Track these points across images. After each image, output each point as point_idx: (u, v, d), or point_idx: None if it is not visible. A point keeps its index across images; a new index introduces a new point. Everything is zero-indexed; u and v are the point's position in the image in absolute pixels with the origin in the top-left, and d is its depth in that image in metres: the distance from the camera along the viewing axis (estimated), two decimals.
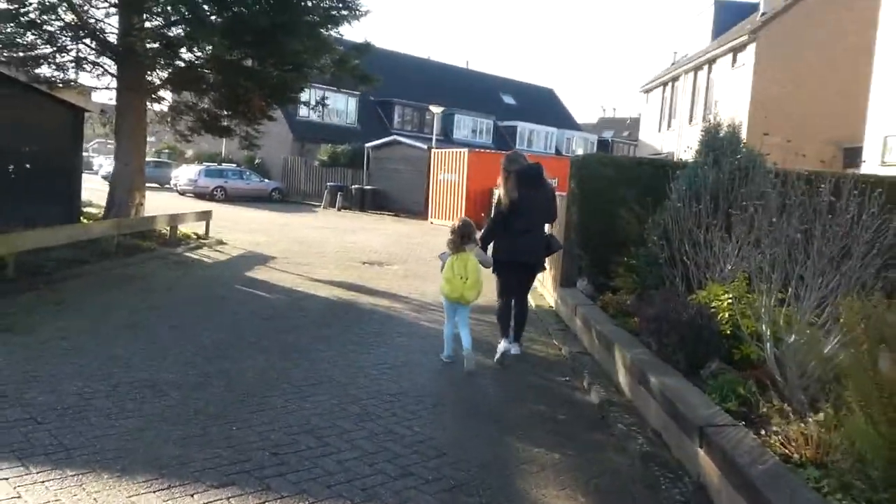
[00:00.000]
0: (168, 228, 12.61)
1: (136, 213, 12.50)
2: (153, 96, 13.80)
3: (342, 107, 39.46)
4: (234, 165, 34.66)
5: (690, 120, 26.22)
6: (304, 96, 15.09)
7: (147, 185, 35.80)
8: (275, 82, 12.68)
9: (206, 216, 14.37)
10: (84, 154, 47.48)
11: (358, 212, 29.21)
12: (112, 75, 12.68)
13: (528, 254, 6.63)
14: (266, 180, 33.80)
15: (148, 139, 45.64)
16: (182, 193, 31.47)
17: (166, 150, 47.02)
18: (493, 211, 6.87)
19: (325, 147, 34.67)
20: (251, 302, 8.44)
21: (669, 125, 29.03)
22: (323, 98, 14.84)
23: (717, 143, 6.78)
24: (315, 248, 14.92)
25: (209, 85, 13.36)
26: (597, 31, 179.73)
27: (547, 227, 7.18)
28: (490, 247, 6.73)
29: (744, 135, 21.64)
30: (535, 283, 10.87)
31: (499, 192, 6.79)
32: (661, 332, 5.23)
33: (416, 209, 28.12)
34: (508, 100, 51.41)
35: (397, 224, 24.20)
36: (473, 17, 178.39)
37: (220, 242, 14.05)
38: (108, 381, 5.05)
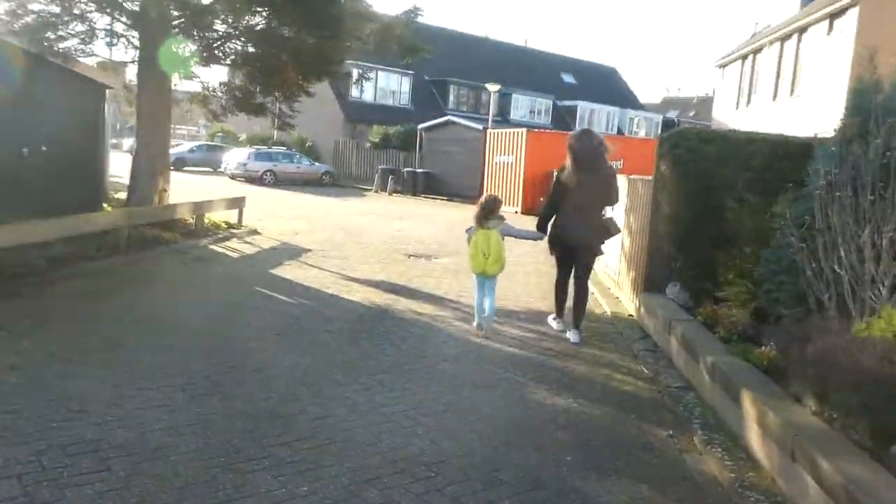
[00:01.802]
0: (193, 218, 11.34)
1: (161, 201, 11.28)
2: (181, 71, 12.54)
3: (395, 87, 38.06)
4: (284, 148, 33.65)
5: (774, 96, 23.70)
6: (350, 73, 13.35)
7: (199, 168, 36.17)
8: (311, 52, 11.21)
9: (238, 203, 13.09)
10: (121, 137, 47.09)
11: (410, 196, 27.81)
12: (135, 47, 11.45)
13: (576, 234, 6.56)
14: (316, 163, 32.67)
15: (202, 122, 45.29)
16: (233, 178, 30.66)
17: (220, 134, 46.59)
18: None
19: (376, 128, 33.31)
20: (268, 310, 7.02)
21: (749, 102, 26.48)
22: (365, 72, 13.15)
23: (877, 105, 4.93)
24: (358, 237, 13.51)
25: (239, 56, 12.00)
26: (662, 5, 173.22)
27: (609, 209, 7.07)
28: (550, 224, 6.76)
29: (843, 110, 19.24)
30: (611, 286, 9.21)
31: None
32: (828, 384, 3.53)
33: (470, 193, 26.45)
34: (568, 79, 49.08)
35: (450, 209, 22.65)
36: None
37: (254, 232, 12.75)
38: (35, 443, 3.65)
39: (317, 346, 5.82)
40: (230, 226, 12.50)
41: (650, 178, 7.83)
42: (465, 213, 9.00)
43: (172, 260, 9.37)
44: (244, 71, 12.30)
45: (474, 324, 6.71)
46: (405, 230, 15.43)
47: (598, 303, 8.67)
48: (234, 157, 31.37)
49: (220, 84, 13.00)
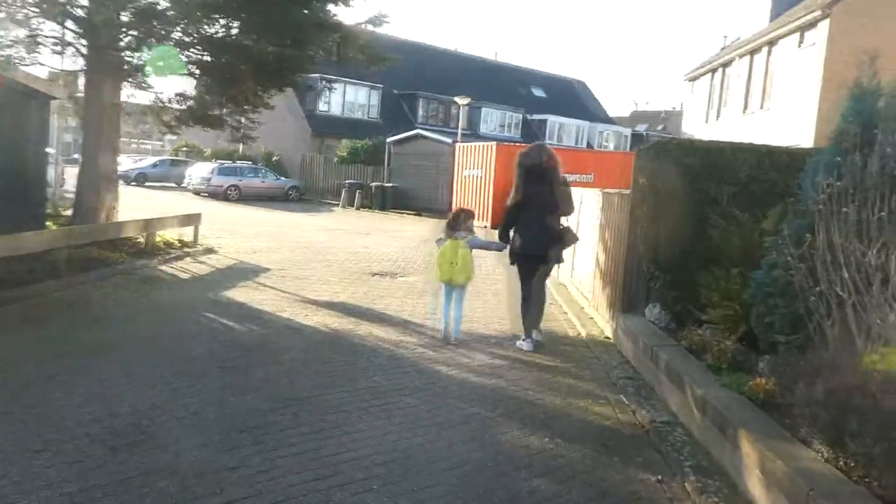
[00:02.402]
0: (143, 236, 10.64)
1: (109, 218, 10.57)
2: (139, 82, 11.87)
3: (364, 100, 37.51)
4: (250, 163, 32.88)
5: (745, 109, 23.63)
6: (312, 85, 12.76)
7: (162, 184, 35.22)
8: (271, 61, 10.64)
9: (193, 220, 12.39)
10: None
11: (378, 211, 27.23)
12: (82, 56, 10.77)
13: (537, 246, 6.77)
14: (282, 178, 31.95)
15: (167, 138, 44.22)
16: (196, 193, 29.83)
17: (184, 148, 45.54)
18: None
19: (344, 142, 32.72)
20: (215, 339, 6.38)
21: (719, 115, 26.44)
22: (329, 82, 12.58)
23: (876, 113, 4.53)
24: (321, 255, 12.90)
25: (196, 65, 11.38)
26: (629, 19, 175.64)
27: (564, 219, 7.19)
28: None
29: (814, 123, 19.19)
30: (584, 305, 8.76)
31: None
32: (844, 429, 3.05)
33: (440, 208, 25.97)
34: (538, 92, 49.05)
35: (418, 224, 22.14)
36: (502, 6, 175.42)
37: (210, 251, 12.07)
38: None
39: (265, 381, 5.22)
40: (184, 244, 11.81)
41: (627, 191, 7.40)
42: (433, 229, 8.52)
43: (115, 282, 8.67)
44: (201, 81, 11.67)
45: (441, 335, 6.88)
46: (371, 247, 14.87)
47: (573, 324, 8.20)
48: (198, 172, 30.52)
49: (176, 95, 12.33)
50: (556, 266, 8.08)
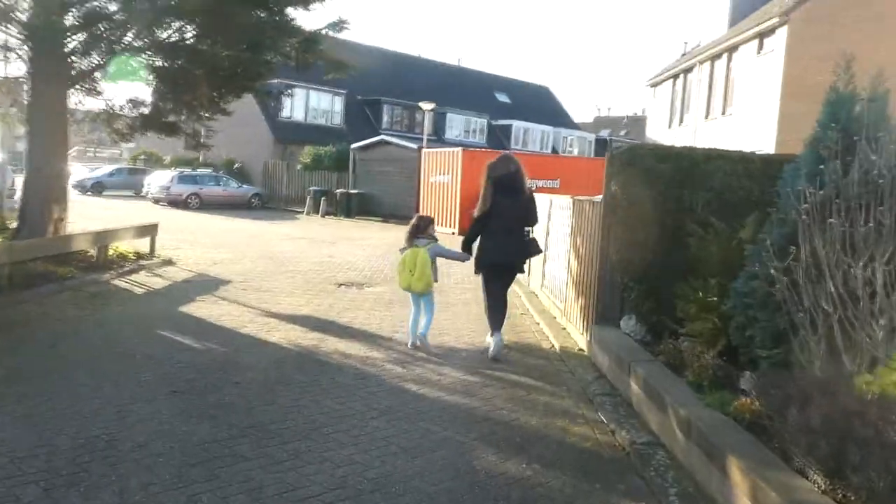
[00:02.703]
0: (95, 249, 10.14)
1: (57, 231, 10.05)
2: (88, 88, 11.38)
3: (327, 106, 37.07)
4: (211, 171, 32.18)
5: (707, 114, 23.85)
6: (271, 91, 12.38)
7: (120, 193, 34.30)
8: (227, 67, 10.27)
9: (149, 231, 11.91)
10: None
11: (343, 218, 26.83)
12: (25, 61, 10.25)
13: (504, 256, 6.90)
14: (245, 186, 31.32)
15: (124, 144, 43.15)
16: (156, 202, 29.14)
17: (143, 156, 44.46)
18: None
19: (307, 149, 32.21)
20: (168, 360, 6.00)
21: (682, 121, 26.67)
22: (287, 88, 12.20)
23: (854, 119, 4.38)
24: (284, 265, 12.51)
25: (148, 71, 10.94)
26: (591, 26, 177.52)
27: (529, 230, 7.14)
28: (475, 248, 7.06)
29: (775, 129, 19.37)
30: (557, 315, 8.57)
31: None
32: (844, 460, 2.85)
33: (406, 214, 25.51)
34: (503, 98, 49.08)
35: (385, 231, 21.80)
36: (465, 12, 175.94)
37: (167, 263, 11.60)
38: None
39: (221, 407, 4.87)
40: (140, 256, 11.32)
41: (598, 198, 7.21)
42: (400, 236, 8.26)
43: (62, 299, 8.19)
44: (154, 87, 11.22)
45: (409, 343, 6.95)
46: (336, 256, 14.51)
47: (545, 335, 7.98)
48: (157, 181, 29.83)
49: (128, 101, 11.84)
50: (525, 274, 8.07)
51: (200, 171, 31.74)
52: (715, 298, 5.15)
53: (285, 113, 35.00)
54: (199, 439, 4.25)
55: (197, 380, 5.46)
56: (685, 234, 5.71)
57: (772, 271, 4.08)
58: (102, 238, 10.25)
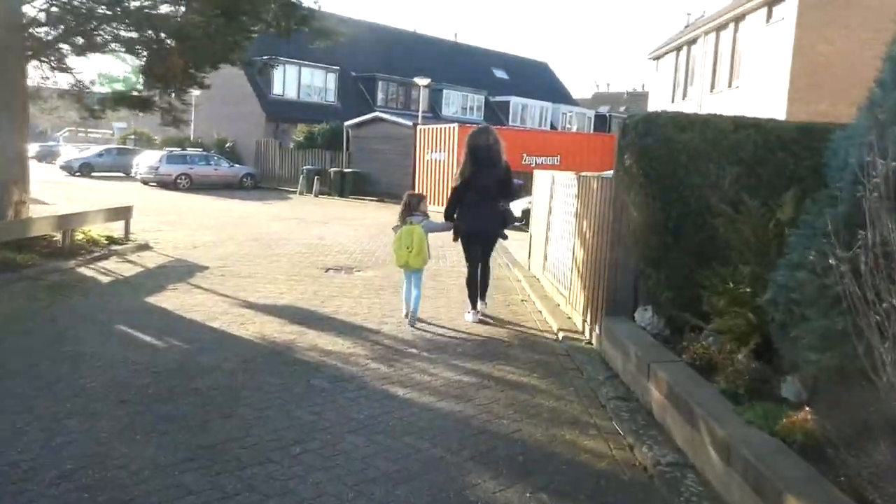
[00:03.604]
0: (60, 234, 9.37)
1: (17, 215, 9.28)
2: (52, 61, 10.56)
3: (320, 83, 36.08)
4: (201, 150, 31.30)
5: (713, 87, 22.95)
6: (252, 62, 11.52)
7: (109, 174, 33.46)
8: (200, 35, 9.44)
9: (123, 213, 11.14)
10: (52, 144, 44.37)
11: (337, 197, 26.05)
12: None
13: (483, 224, 7.16)
14: (236, 165, 30.44)
15: (115, 125, 42.52)
16: (145, 182, 28.31)
17: (132, 136, 43.49)
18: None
19: (300, 127, 31.31)
20: (121, 361, 5.27)
21: (685, 95, 25.77)
22: (269, 59, 11.35)
23: None
24: (270, 248, 11.78)
25: (117, 42, 10.11)
26: (590, 0, 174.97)
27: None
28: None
29: (785, 101, 18.54)
30: (560, 302, 7.87)
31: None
32: None
33: (401, 193, 24.77)
34: (500, 74, 48.01)
35: (379, 211, 21.04)
36: None
37: (143, 248, 10.85)
38: None
39: (172, 420, 4.16)
40: (112, 241, 10.57)
41: (608, 174, 6.46)
42: (395, 216, 7.74)
43: (15, 290, 7.44)
44: (122, 59, 10.41)
45: (404, 312, 7.13)
46: (326, 237, 13.77)
47: (549, 325, 7.27)
48: (145, 161, 28.93)
49: (99, 76, 11.03)
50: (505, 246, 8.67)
51: (190, 150, 30.89)
52: (748, 290, 4.41)
53: (277, 90, 34.06)
54: (139, 466, 3.53)
55: (150, 386, 4.74)
56: (711, 214, 4.97)
57: (831, 261, 3.33)
58: (67, 222, 9.47)
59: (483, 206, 7.04)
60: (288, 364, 5.41)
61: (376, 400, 4.72)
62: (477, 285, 7.28)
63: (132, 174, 30.06)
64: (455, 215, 7.23)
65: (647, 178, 5.20)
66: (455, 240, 7.39)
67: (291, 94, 34.72)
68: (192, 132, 34.87)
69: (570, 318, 7.37)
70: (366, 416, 4.40)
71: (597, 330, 6.21)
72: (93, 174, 32.97)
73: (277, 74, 33.71)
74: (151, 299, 7.48)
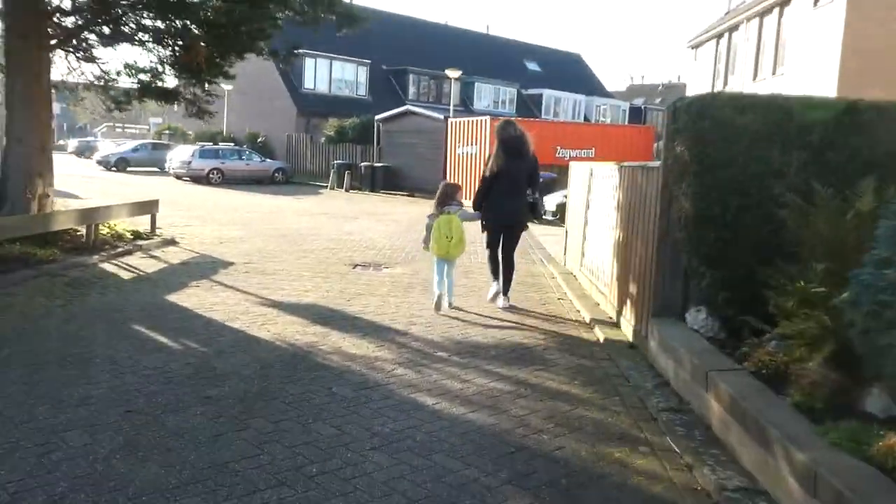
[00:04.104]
0: (84, 229, 9.14)
1: (42, 209, 9.10)
2: (79, 52, 10.37)
3: (351, 77, 35.88)
4: (233, 145, 31.30)
5: (755, 76, 22.08)
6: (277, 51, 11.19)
7: (144, 168, 33.70)
8: (226, 23, 9.13)
9: (148, 207, 10.93)
10: (90, 139, 45.05)
11: (368, 192, 25.79)
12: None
13: (510, 215, 7.27)
14: (268, 160, 30.36)
15: (152, 120, 43.09)
16: (178, 177, 28.41)
17: (167, 131, 43.81)
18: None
19: (331, 121, 31.10)
20: (133, 366, 4.93)
21: (726, 83, 24.87)
22: (293, 48, 11.00)
23: None
24: (297, 244, 11.47)
25: (143, 31, 9.86)
26: None
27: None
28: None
29: (834, 88, 17.67)
30: (600, 301, 7.39)
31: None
32: None
33: (432, 188, 24.45)
34: (533, 66, 47.34)
35: (410, 206, 20.68)
36: None
37: (169, 243, 10.62)
38: None
39: (180, 434, 3.79)
40: (138, 236, 10.35)
41: (653, 164, 5.96)
42: (425, 211, 7.59)
43: (35, 286, 7.20)
44: (148, 48, 10.14)
45: (433, 301, 7.07)
46: (355, 233, 13.43)
47: (588, 325, 6.80)
48: (178, 156, 29.03)
49: (126, 67, 10.78)
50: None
51: (223, 145, 30.90)
52: (823, 289, 3.89)
53: (308, 84, 33.95)
54: (137, 489, 3.17)
55: (160, 393, 4.39)
56: (776, 206, 4.45)
57: None
58: (91, 216, 9.24)
59: (512, 197, 7.18)
60: (309, 370, 5.03)
61: (403, 411, 4.31)
62: (498, 260, 7.38)
63: (166, 169, 30.20)
64: (483, 205, 7.31)
65: (702, 167, 4.69)
66: (484, 230, 7.44)
67: (322, 88, 34.57)
68: (224, 127, 34.95)
69: (611, 318, 6.88)
70: (391, 431, 3.99)
71: (642, 332, 5.72)
72: (128, 169, 33.26)
73: (308, 68, 33.63)
74: (172, 297, 7.18)
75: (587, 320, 6.95)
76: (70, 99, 11.41)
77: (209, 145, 29.89)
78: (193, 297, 7.18)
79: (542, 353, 5.75)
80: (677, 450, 3.86)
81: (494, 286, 7.44)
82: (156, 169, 32.89)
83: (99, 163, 34.99)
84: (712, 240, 4.72)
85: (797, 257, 4.20)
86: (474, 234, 8.15)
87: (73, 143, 52.04)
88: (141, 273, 8.40)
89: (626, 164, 6.93)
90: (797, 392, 3.57)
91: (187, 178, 27.67)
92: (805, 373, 3.67)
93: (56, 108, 15.29)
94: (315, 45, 27.95)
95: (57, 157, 31.58)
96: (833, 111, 4.61)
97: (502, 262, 7.36)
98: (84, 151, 45.70)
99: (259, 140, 34.25)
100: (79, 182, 22.72)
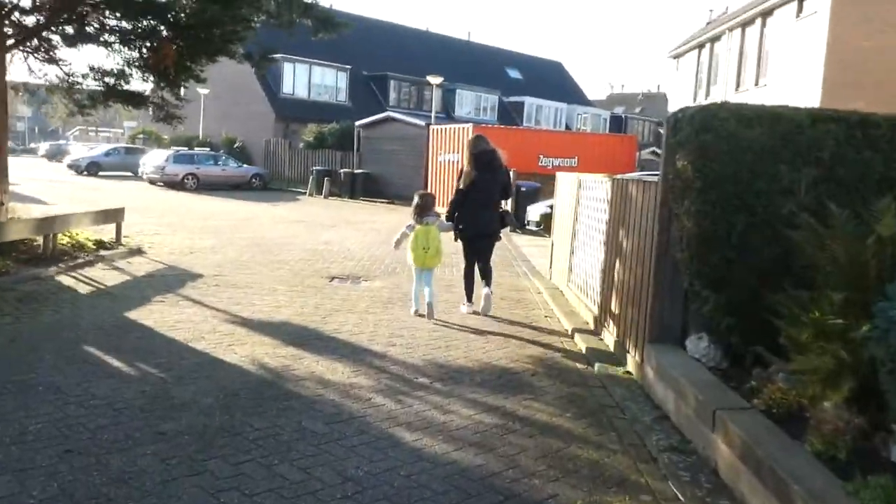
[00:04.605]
0: (41, 238, 8.61)
1: None
2: (39, 53, 9.84)
3: (331, 82, 35.40)
4: (208, 150, 30.66)
5: (738, 86, 21.97)
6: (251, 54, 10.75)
7: (117, 173, 32.91)
8: (195, 24, 8.67)
9: (114, 216, 10.39)
10: (62, 142, 44.16)
11: (347, 199, 25.36)
12: None
13: (484, 226, 7.47)
14: (245, 166, 29.80)
15: (126, 123, 42.28)
16: (152, 182, 27.75)
17: (142, 135, 42.96)
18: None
19: (310, 127, 30.59)
20: (80, 395, 4.46)
21: (708, 94, 24.76)
22: (267, 52, 10.56)
23: None
24: (272, 254, 11.01)
25: (109, 32, 9.37)
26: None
27: (503, 203, 7.81)
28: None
29: (818, 100, 17.57)
30: (589, 319, 7.03)
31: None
32: None
33: (413, 195, 24.10)
34: (514, 74, 47.20)
35: (390, 214, 20.27)
36: None
37: (135, 253, 10.10)
38: None
39: (122, 481, 3.34)
40: (102, 245, 9.81)
41: (651, 178, 5.62)
42: (406, 220, 7.33)
43: None
44: (115, 50, 9.64)
45: (412, 310, 7.27)
46: (333, 242, 13.00)
47: (578, 348, 6.43)
48: (152, 160, 28.37)
49: (91, 69, 10.26)
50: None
51: (198, 150, 30.28)
52: (840, 321, 3.55)
53: (287, 89, 33.42)
54: None
55: (107, 429, 3.93)
56: (785, 225, 4.11)
57: None
58: (49, 225, 8.70)
59: (486, 209, 7.40)
60: (278, 399, 4.60)
61: (380, 449, 3.89)
62: (473, 279, 7.59)
63: (139, 174, 29.48)
64: (457, 217, 7.45)
65: (706, 182, 4.35)
66: (456, 240, 7.60)
67: (302, 93, 34.06)
68: (200, 131, 34.27)
69: (601, 339, 6.52)
70: (365, 474, 3.57)
71: (637, 358, 5.36)
72: (100, 173, 32.45)
73: (287, 73, 33.12)
74: (132, 314, 6.69)
75: (577, 342, 6.58)
76: (34, 101, 10.84)
77: (184, 150, 29.27)
78: (156, 314, 6.70)
79: (531, 380, 5.37)
80: (682, 498, 3.48)
81: (465, 308, 7.55)
82: (129, 174, 32.16)
83: (70, 167, 34.14)
84: (715, 261, 4.37)
85: (810, 283, 3.86)
86: (456, 246, 7.84)
87: (44, 147, 51.04)
88: (101, 287, 7.88)
89: (619, 176, 6.60)
90: (817, 440, 3.22)
91: (161, 184, 27.02)
92: (824, 416, 3.32)
93: (27, 111, 14.66)
94: (294, 49, 27.50)
95: (26, 161, 31.26)
96: (844, 125, 4.29)
97: (481, 270, 7.56)
98: (55, 155, 44.68)
99: (236, 145, 33.65)
100: (46, 186, 22.03)
